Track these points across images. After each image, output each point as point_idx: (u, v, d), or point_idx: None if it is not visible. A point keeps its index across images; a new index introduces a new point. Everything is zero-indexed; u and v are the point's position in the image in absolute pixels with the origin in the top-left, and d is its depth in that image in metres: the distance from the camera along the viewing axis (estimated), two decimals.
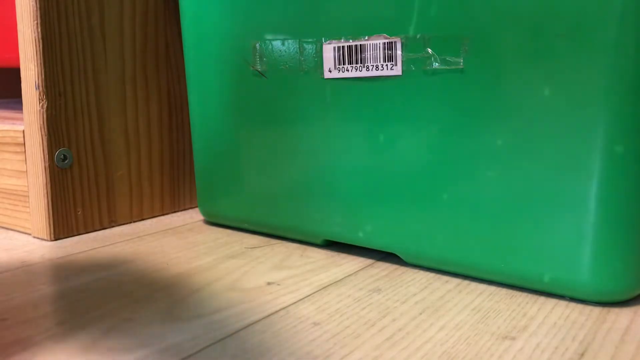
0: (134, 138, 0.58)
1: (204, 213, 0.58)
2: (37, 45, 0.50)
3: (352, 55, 0.43)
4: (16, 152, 0.54)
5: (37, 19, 0.50)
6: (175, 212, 0.63)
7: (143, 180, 0.59)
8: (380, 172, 0.43)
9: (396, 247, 0.43)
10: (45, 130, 0.51)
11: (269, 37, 0.47)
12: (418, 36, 0.39)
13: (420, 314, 0.35)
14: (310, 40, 0.45)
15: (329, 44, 0.44)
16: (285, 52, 0.47)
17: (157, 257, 0.47)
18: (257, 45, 0.48)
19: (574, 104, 0.34)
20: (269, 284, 0.40)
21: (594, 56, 0.33)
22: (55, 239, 0.52)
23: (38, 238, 0.53)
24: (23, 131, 0.53)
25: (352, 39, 0.42)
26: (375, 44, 0.41)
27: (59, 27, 0.51)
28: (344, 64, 0.43)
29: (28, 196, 0.53)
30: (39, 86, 0.50)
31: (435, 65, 0.39)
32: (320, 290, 0.39)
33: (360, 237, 0.45)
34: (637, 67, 0.33)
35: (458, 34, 0.38)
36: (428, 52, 0.39)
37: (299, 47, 0.46)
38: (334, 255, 0.47)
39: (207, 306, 0.37)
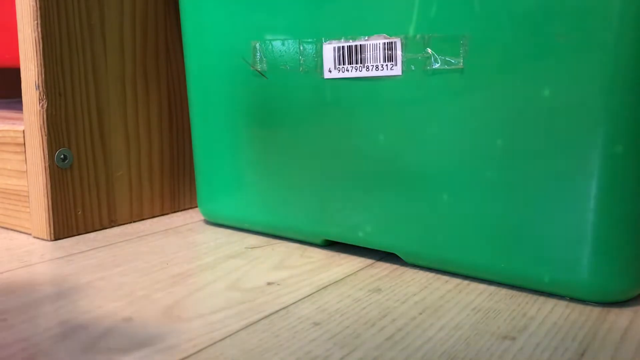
0: (134, 138, 0.58)
1: (204, 213, 0.58)
2: (37, 45, 0.50)
3: (352, 56, 0.43)
4: (16, 152, 0.54)
5: (37, 19, 0.50)
6: (175, 212, 0.63)
7: (143, 180, 0.59)
8: (380, 172, 0.43)
9: (396, 247, 0.44)
10: (45, 130, 0.51)
11: (269, 37, 0.47)
12: (418, 36, 0.39)
13: (420, 314, 0.35)
14: (310, 40, 0.45)
15: (329, 44, 0.44)
16: (285, 52, 0.47)
17: (157, 257, 0.47)
18: (257, 45, 0.48)
19: (574, 104, 0.34)
20: (269, 284, 0.40)
21: (594, 56, 0.33)
22: (55, 239, 0.52)
23: (38, 238, 0.53)
24: (23, 131, 0.53)
25: (352, 39, 0.42)
26: (375, 44, 0.41)
27: (59, 27, 0.51)
28: (344, 64, 0.43)
29: (28, 196, 0.53)
30: (39, 86, 0.50)
31: (435, 65, 0.39)
32: (320, 290, 0.39)
33: (360, 237, 0.45)
34: (637, 67, 0.33)
35: (458, 34, 0.38)
36: (428, 52, 0.39)
37: (299, 47, 0.46)
38: (334, 255, 0.47)
39: (207, 306, 0.37)
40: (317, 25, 0.44)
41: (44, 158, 0.51)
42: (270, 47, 0.48)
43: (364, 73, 0.42)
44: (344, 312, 0.35)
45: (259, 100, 0.50)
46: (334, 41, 0.43)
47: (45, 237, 0.52)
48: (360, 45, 0.42)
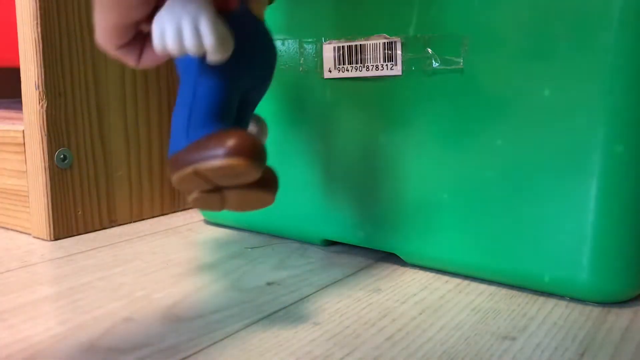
0: (133, 138, 0.58)
1: (204, 213, 0.57)
2: (37, 45, 0.50)
3: (352, 55, 0.43)
4: (16, 152, 0.54)
5: (37, 19, 0.50)
6: (175, 212, 0.63)
7: (143, 180, 0.59)
8: (380, 172, 0.43)
9: (396, 247, 0.43)
10: (45, 130, 0.51)
11: None
12: (418, 36, 0.39)
13: (420, 314, 0.35)
14: (310, 40, 0.45)
15: (329, 44, 0.44)
16: (285, 52, 0.47)
17: (157, 257, 0.47)
18: None
19: (574, 104, 0.34)
20: (269, 284, 0.40)
21: (594, 56, 0.33)
22: (55, 239, 0.52)
23: (38, 238, 0.53)
24: (23, 131, 0.53)
25: (352, 39, 0.42)
26: (375, 44, 0.41)
27: (59, 27, 0.51)
28: (344, 64, 0.43)
29: (28, 196, 0.53)
30: (39, 86, 0.50)
31: (435, 65, 0.39)
32: (320, 290, 0.39)
33: (360, 237, 0.45)
34: (636, 67, 0.33)
35: (458, 33, 0.38)
36: (428, 52, 0.39)
37: (299, 47, 0.46)
38: (334, 255, 0.47)
39: (207, 306, 0.37)
40: (317, 25, 0.44)
41: (44, 158, 0.51)
42: None
43: (364, 73, 0.42)
44: (344, 312, 0.35)
45: None
46: (333, 41, 0.43)
47: (45, 237, 0.52)
48: (360, 45, 0.42)
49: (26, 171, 0.53)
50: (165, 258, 0.47)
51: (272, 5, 0.47)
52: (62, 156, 0.52)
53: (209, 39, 0.27)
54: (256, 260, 0.46)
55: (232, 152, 0.27)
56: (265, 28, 0.34)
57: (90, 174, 0.55)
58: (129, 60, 0.33)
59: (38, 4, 0.49)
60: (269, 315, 0.35)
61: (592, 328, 0.33)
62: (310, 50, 0.45)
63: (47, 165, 0.51)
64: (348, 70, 0.43)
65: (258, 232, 0.53)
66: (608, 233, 0.35)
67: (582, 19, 0.33)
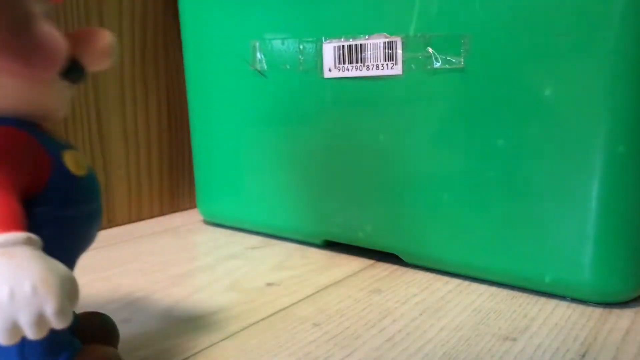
0: (133, 138, 0.58)
1: (203, 213, 0.57)
2: None
3: (352, 55, 0.42)
4: None
5: None
6: (175, 212, 0.63)
7: (142, 180, 0.59)
8: (380, 172, 0.43)
9: (396, 247, 0.43)
10: None
11: (268, 36, 0.47)
12: (418, 35, 0.39)
13: (421, 314, 0.35)
14: (310, 39, 0.45)
15: (329, 43, 0.44)
16: (285, 51, 0.46)
17: (156, 258, 0.47)
18: (257, 45, 0.48)
19: (575, 104, 0.34)
20: (269, 284, 0.40)
21: (595, 56, 0.33)
22: None
23: None
24: None
25: (352, 38, 0.42)
26: (375, 43, 0.41)
27: (58, 27, 0.51)
28: (344, 64, 0.43)
29: None
30: None
31: (436, 64, 0.39)
32: (320, 290, 0.39)
33: (360, 237, 0.45)
34: (638, 66, 0.32)
35: (459, 33, 0.37)
36: (429, 51, 0.39)
37: (299, 47, 0.46)
38: (334, 256, 0.46)
39: (207, 307, 0.37)
40: (317, 24, 0.44)
41: None
42: (269, 46, 0.47)
43: (364, 72, 0.42)
44: (344, 313, 0.35)
45: (258, 99, 0.49)
46: (334, 40, 0.43)
47: None
48: (361, 44, 0.42)
49: None
50: (165, 258, 0.46)
51: (272, 5, 0.47)
52: None
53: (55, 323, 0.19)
54: (256, 260, 0.46)
55: None
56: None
57: None
58: None
59: None
60: (268, 316, 0.35)
61: (594, 329, 0.33)
62: (310, 50, 0.45)
63: None
64: (348, 70, 0.43)
65: (258, 233, 0.53)
66: (609, 233, 0.34)
67: (583, 18, 0.33)
